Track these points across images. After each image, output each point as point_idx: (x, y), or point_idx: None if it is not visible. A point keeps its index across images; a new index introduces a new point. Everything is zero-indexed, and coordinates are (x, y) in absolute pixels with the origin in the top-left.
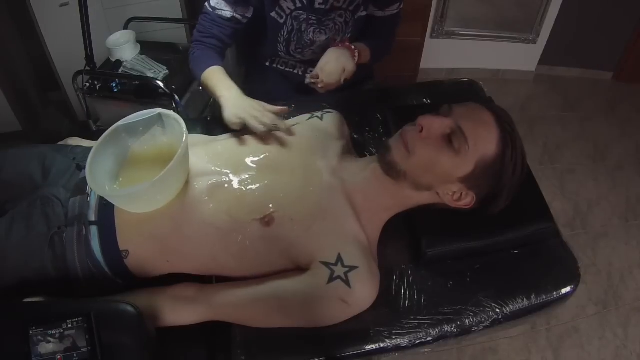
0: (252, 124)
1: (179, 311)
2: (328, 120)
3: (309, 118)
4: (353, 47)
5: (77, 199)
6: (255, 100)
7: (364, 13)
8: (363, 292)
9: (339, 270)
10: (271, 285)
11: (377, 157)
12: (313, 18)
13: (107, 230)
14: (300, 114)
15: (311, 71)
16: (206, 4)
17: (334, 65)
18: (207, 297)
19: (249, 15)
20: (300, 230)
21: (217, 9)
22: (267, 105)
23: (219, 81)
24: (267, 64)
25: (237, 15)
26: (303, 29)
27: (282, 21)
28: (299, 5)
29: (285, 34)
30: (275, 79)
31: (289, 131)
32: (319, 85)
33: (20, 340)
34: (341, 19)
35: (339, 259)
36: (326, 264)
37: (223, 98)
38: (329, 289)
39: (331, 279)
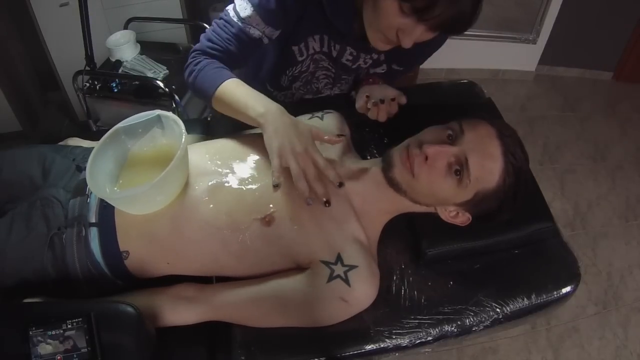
0: (298, 185)
1: (179, 311)
2: (328, 120)
3: (310, 118)
4: (378, 81)
5: (76, 200)
6: (308, 128)
7: (384, 70)
8: (363, 290)
9: (339, 269)
10: (271, 285)
11: (380, 167)
12: (332, 70)
13: (107, 231)
14: (300, 114)
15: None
16: (230, 9)
17: (378, 93)
18: (207, 297)
19: (274, 37)
20: (301, 230)
21: (246, 23)
22: (319, 133)
23: (250, 96)
24: (268, 87)
25: (265, 37)
26: (317, 75)
27: (300, 59)
28: (325, 50)
29: (296, 71)
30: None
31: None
32: (379, 108)
33: (20, 340)
34: (352, 76)
35: (339, 258)
36: (326, 263)
37: (263, 119)
38: (328, 287)
39: (331, 277)
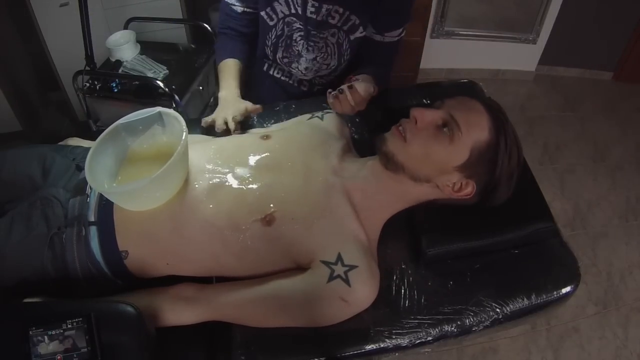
0: (218, 124)
1: (179, 311)
2: (328, 120)
3: (310, 118)
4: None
5: (76, 200)
6: (244, 104)
7: (362, 34)
8: (363, 291)
9: (339, 269)
10: (271, 285)
11: (376, 150)
12: (303, 29)
13: (106, 230)
14: (300, 114)
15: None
16: None
17: (362, 86)
18: (207, 297)
19: (248, 10)
20: (301, 230)
21: (229, 3)
22: (249, 105)
23: (222, 77)
24: (265, 68)
25: (248, 9)
26: (294, 38)
27: (272, 23)
28: (292, 11)
29: (273, 37)
30: (270, 85)
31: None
32: (347, 99)
33: (20, 340)
34: (333, 38)
35: (339, 258)
36: (326, 263)
37: (220, 98)
38: (328, 287)
39: (331, 277)
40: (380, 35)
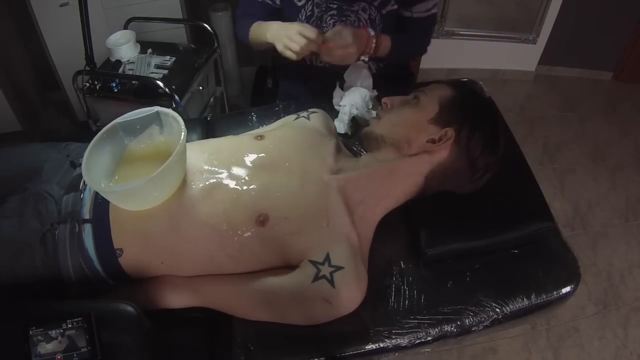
0: (292, 47)
1: (165, 294)
2: (315, 120)
3: (296, 119)
4: (372, 33)
5: (70, 196)
6: (292, 26)
7: (395, 7)
8: (347, 293)
9: (325, 270)
10: (259, 281)
11: (360, 142)
12: (333, 6)
13: (102, 227)
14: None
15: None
16: None
17: (345, 31)
18: (195, 284)
19: (277, 2)
20: (294, 229)
21: None
22: (301, 29)
23: (260, 29)
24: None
25: (267, 1)
26: (324, 19)
27: (300, 4)
28: None
29: (303, 18)
30: (297, 72)
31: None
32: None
33: (20, 340)
34: (365, 14)
35: (327, 258)
36: (314, 263)
37: (269, 37)
38: (313, 287)
39: (316, 277)
40: (408, 12)
